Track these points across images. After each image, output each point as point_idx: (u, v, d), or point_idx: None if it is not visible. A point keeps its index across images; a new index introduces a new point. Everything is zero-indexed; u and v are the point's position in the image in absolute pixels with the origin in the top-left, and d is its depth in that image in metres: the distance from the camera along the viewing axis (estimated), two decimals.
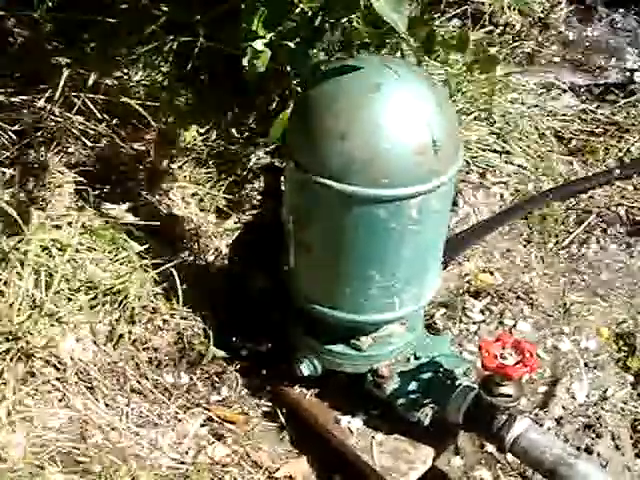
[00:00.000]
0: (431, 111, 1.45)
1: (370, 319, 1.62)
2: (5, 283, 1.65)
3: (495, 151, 2.53)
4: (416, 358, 1.70)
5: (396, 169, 1.42)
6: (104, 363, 1.70)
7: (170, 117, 2.09)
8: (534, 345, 1.52)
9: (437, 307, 2.06)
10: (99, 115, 1.98)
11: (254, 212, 2.09)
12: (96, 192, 1.91)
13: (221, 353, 1.82)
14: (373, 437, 1.69)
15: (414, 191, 1.44)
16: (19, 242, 1.70)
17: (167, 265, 1.82)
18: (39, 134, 1.93)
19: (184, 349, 1.81)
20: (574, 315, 2.11)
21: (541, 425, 1.80)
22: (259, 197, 2.11)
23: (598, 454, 1.76)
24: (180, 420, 1.71)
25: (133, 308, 1.76)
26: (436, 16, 2.58)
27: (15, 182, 1.81)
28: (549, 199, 2.46)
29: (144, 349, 1.78)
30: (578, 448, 1.75)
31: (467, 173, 2.43)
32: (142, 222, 1.90)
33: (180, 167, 2.06)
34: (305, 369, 1.71)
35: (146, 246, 1.85)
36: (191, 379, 1.81)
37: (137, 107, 2.00)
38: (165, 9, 2.04)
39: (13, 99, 1.94)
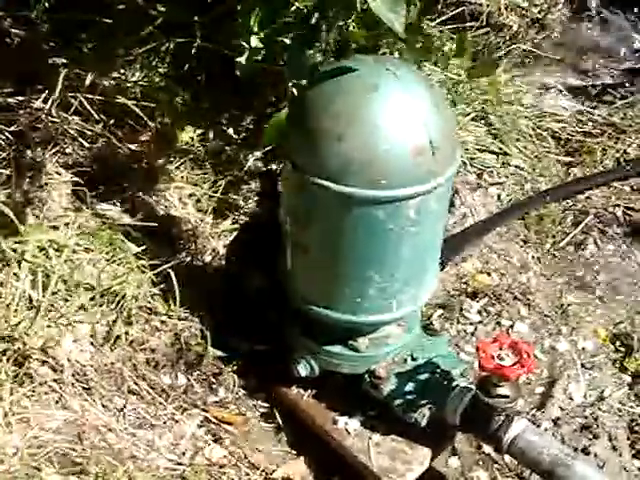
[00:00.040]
0: (428, 111, 1.44)
1: (368, 320, 1.62)
2: (2, 284, 1.65)
3: (492, 152, 2.53)
4: (413, 359, 1.70)
5: (394, 170, 1.41)
6: (101, 364, 1.69)
7: (167, 118, 2.09)
8: (531, 346, 1.53)
9: (434, 308, 2.07)
10: (96, 116, 1.97)
11: (251, 213, 2.09)
12: (93, 193, 1.90)
13: (219, 353, 1.82)
14: (370, 438, 1.68)
15: (412, 192, 1.44)
16: (16, 243, 1.69)
17: (164, 266, 1.82)
18: (36, 134, 1.92)
19: (181, 350, 1.81)
20: (571, 316, 2.12)
21: (538, 426, 1.80)
22: (256, 198, 2.11)
23: (595, 455, 1.77)
24: (177, 421, 1.71)
25: (130, 309, 1.76)
26: (433, 17, 2.58)
27: (12, 183, 1.80)
28: (546, 200, 2.46)
29: (141, 350, 1.77)
30: (575, 449, 1.76)
31: (465, 174, 2.44)
32: (139, 223, 1.89)
33: (177, 168, 2.06)
34: (302, 370, 1.70)
35: (143, 247, 1.85)
36: (188, 380, 1.80)
37: (134, 108, 2.00)
38: (162, 10, 2.04)
39: (10, 99, 1.94)
